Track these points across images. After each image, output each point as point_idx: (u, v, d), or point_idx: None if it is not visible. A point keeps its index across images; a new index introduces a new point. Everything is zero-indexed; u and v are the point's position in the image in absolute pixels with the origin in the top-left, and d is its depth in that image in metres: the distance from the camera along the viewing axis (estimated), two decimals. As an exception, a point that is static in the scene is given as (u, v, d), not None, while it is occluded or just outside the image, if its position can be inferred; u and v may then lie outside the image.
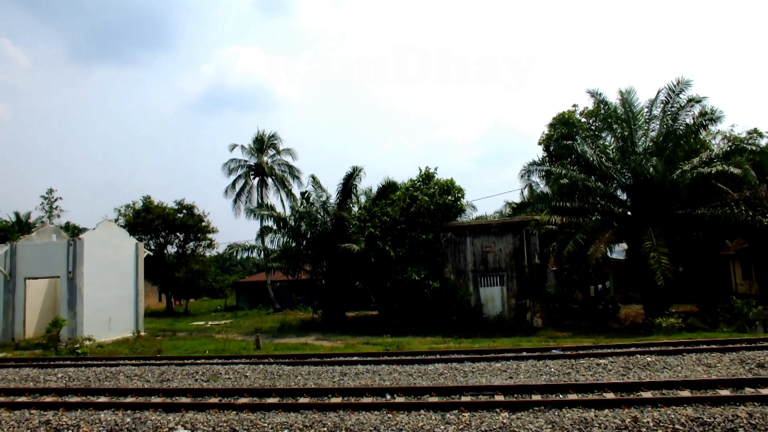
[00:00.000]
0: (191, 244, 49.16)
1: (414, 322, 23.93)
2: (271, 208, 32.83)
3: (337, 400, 10.81)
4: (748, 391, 9.92)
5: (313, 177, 32.08)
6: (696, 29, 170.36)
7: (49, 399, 11.68)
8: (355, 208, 30.92)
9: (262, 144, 47.45)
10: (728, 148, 24.17)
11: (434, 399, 10.56)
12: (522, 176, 29.84)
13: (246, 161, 46.91)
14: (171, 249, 49.00)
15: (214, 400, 11.13)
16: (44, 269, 24.84)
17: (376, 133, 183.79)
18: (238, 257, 72.77)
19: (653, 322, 20.47)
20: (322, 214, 30.71)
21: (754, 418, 8.41)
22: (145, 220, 45.13)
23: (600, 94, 26.45)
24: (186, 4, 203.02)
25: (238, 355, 17.56)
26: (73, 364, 16.60)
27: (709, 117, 23.67)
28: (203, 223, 48.49)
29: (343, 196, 30.53)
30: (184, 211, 48.46)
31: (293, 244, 30.52)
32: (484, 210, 42.65)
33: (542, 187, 33.24)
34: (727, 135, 28.54)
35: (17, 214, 65.80)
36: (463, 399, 10.36)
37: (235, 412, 10.02)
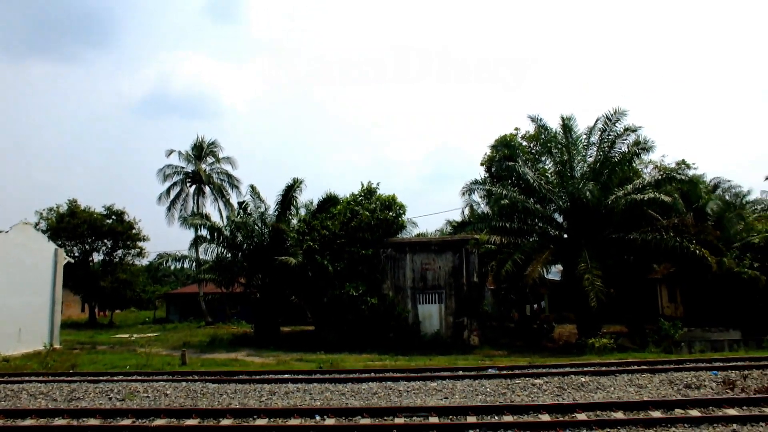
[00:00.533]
0: (119, 252, 46.48)
1: (350, 338, 23.32)
2: (206, 217, 31.41)
3: (263, 422, 10.11)
4: (678, 412, 9.99)
5: (252, 187, 31.07)
6: (632, 62, 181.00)
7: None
8: (295, 221, 30.13)
9: (201, 151, 45.71)
10: (659, 177, 25.28)
11: (366, 421, 10.05)
12: (463, 194, 30.11)
13: (183, 168, 45.00)
14: (97, 257, 46.21)
15: (126, 422, 10.16)
16: (-55, 273, 22.53)
17: (325, 146, 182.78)
18: (170, 267, 69.59)
19: (586, 342, 20.81)
20: (259, 225, 29.71)
21: (685, 441, 8.41)
22: (70, 225, 42.27)
23: (540, 120, 27.11)
24: (131, 3, 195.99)
25: (161, 372, 16.38)
26: (-31, 379, 14.92)
27: (643, 146, 24.70)
28: (133, 231, 45.99)
29: (282, 207, 29.66)
30: (113, 217, 45.85)
31: (228, 256, 29.32)
32: (425, 227, 42.73)
33: (483, 207, 33.65)
34: (658, 165, 29.87)
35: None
36: (397, 421, 9.91)
37: (147, 436, 9.13)
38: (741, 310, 23.61)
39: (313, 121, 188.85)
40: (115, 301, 45.14)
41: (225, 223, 31.98)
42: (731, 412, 9.86)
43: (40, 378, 15.17)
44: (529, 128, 30.03)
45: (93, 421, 10.21)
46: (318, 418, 10.34)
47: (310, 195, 72.39)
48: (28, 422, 10.23)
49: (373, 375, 14.51)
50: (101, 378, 14.94)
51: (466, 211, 36.42)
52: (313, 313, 27.70)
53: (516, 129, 33.12)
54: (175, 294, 49.02)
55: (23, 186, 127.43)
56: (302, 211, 31.28)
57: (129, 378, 14.88)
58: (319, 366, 17.22)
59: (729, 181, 31.12)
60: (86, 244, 44.35)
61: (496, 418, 10.04)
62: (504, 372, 14.31)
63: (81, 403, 12.02)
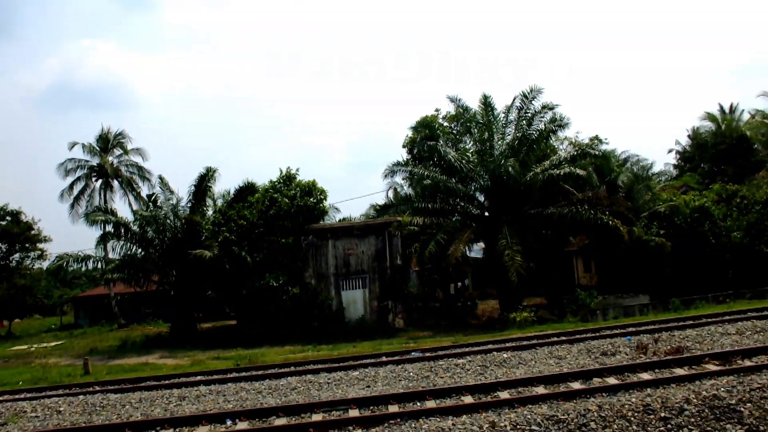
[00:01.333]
0: (16, 255, 42.49)
1: (272, 331, 22.44)
2: (112, 212, 29.20)
3: (165, 433, 9.13)
4: (596, 381, 10.00)
5: (161, 178, 29.18)
6: (548, 38, 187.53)
7: None
8: (210, 212, 28.57)
9: (107, 143, 42.34)
10: (575, 153, 26.05)
11: (282, 421, 9.33)
12: (385, 176, 29.75)
13: (87, 161, 41.50)
14: (-10, 262, 42.02)
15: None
16: None
17: (247, 137, 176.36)
18: (80, 269, 64.84)
19: (508, 317, 21.11)
20: (171, 218, 27.91)
21: (604, 410, 8.33)
22: (-46, 229, 38.11)
23: (460, 100, 27.12)
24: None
25: (57, 385, 14.79)
26: None
27: (559, 123, 25.29)
28: (32, 231, 42.18)
29: (195, 199, 28.04)
30: (8, 218, 41.80)
31: (138, 252, 27.35)
32: (350, 213, 42.13)
33: (406, 189, 33.52)
34: (573, 141, 30.86)
35: None
36: (314, 418, 9.26)
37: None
38: (649, 275, 24.84)
39: (235, 112, 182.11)
40: (13, 309, 41.27)
41: (133, 218, 29.78)
42: (645, 376, 9.98)
43: None
44: (450, 109, 30.05)
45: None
46: (229, 422, 9.50)
47: (230, 186, 69.51)
48: None
49: (292, 369, 13.80)
50: (-20, 399, 13.21)
51: (390, 194, 36.23)
52: (232, 307, 26.50)
53: (437, 110, 33.10)
54: (84, 297, 45.55)
55: None
56: (220, 202, 29.77)
57: (16, 397, 13.26)
58: (236, 363, 16.28)
59: (637, 155, 32.84)
60: (-25, 250, 40.19)
61: (419, 404, 9.63)
62: (428, 354, 14.01)
63: (-48, 431, 10.48)
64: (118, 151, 43.08)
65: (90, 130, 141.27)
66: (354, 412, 9.39)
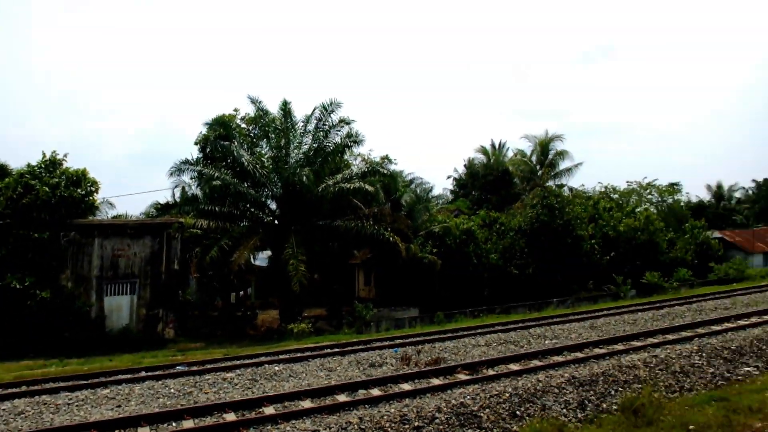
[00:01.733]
0: None
1: (9, 342, 18.76)
2: None
3: None
4: (361, 393, 10.25)
5: None
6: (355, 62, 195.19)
7: None
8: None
9: None
10: (366, 169, 27.25)
11: (-10, 455, 7.60)
12: (171, 174, 27.35)
13: None
14: None
15: None
16: None
17: (8, 115, 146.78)
18: None
19: (287, 327, 20.92)
20: None
21: (364, 422, 8.51)
22: None
23: (260, 102, 26.46)
24: None
25: None
26: None
27: (354, 139, 26.19)
28: None
29: None
30: None
31: None
32: (125, 210, 37.72)
33: (194, 189, 31.35)
34: (366, 158, 32.27)
35: None
36: (36, 449, 7.74)
37: None
38: (421, 290, 27.06)
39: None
40: None
41: None
42: (406, 386, 10.55)
43: None
44: (250, 110, 29.04)
45: None
46: None
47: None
48: None
49: (23, 389, 11.55)
50: None
51: (177, 193, 33.50)
52: None
53: (235, 110, 31.71)
54: None
55: None
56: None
57: None
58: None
59: (421, 178, 35.79)
60: None
61: (174, 425, 8.75)
62: (194, 368, 12.99)
63: None
64: None
65: None
66: (90, 439, 8.13)
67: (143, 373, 12.65)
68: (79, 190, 22.88)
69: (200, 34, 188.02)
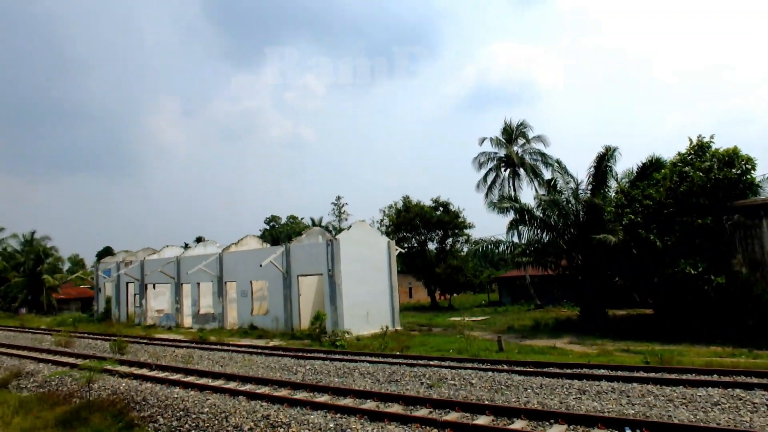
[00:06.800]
0: (449, 240, 50.30)
1: (692, 325, 19.38)
2: (515, 199, 30.79)
3: (560, 429, 8.81)
4: None
5: (558, 162, 29.13)
6: None
7: (283, 392, 12.39)
8: (612, 194, 26.96)
9: (511, 134, 45.60)
10: None
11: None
12: None
13: (495, 153, 45.68)
14: (432, 245, 50.99)
15: (423, 412, 10.24)
16: (311, 267, 27.86)
17: (650, 110, 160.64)
18: (496, 252, 72.09)
19: None
20: (572, 202, 27.57)
21: None
22: (405, 219, 47.84)
23: None
24: (442, 11, 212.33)
25: (473, 359, 16.50)
26: (324, 357, 17.72)
27: None
28: (459, 219, 49.13)
29: (595, 180, 26.91)
30: (440, 208, 49.88)
31: (543, 236, 28.06)
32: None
33: None
34: None
35: (312, 219, 77.84)
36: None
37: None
38: None
39: (633, 83, 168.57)
40: (450, 285, 48.88)
41: (535, 203, 30.87)
42: None
43: (371, 359, 17.04)
44: None
45: (395, 408, 10.61)
46: (628, 431, 8.48)
47: (633, 164, 64.54)
48: (346, 401, 11.24)
49: (716, 378, 11.47)
50: (419, 362, 15.83)
51: None
52: (642, 295, 24.22)
53: None
54: (505, 278, 50.22)
55: (375, 187, 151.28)
56: (624, 182, 27.77)
57: (442, 364, 15.32)
58: (645, 361, 14.64)
59: None
60: (421, 235, 49.49)
61: None
62: None
63: (392, 388, 12.79)
64: (521, 141, 45.76)
65: (497, 125, 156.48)
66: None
67: None
68: (733, 171, 21.57)
69: None
